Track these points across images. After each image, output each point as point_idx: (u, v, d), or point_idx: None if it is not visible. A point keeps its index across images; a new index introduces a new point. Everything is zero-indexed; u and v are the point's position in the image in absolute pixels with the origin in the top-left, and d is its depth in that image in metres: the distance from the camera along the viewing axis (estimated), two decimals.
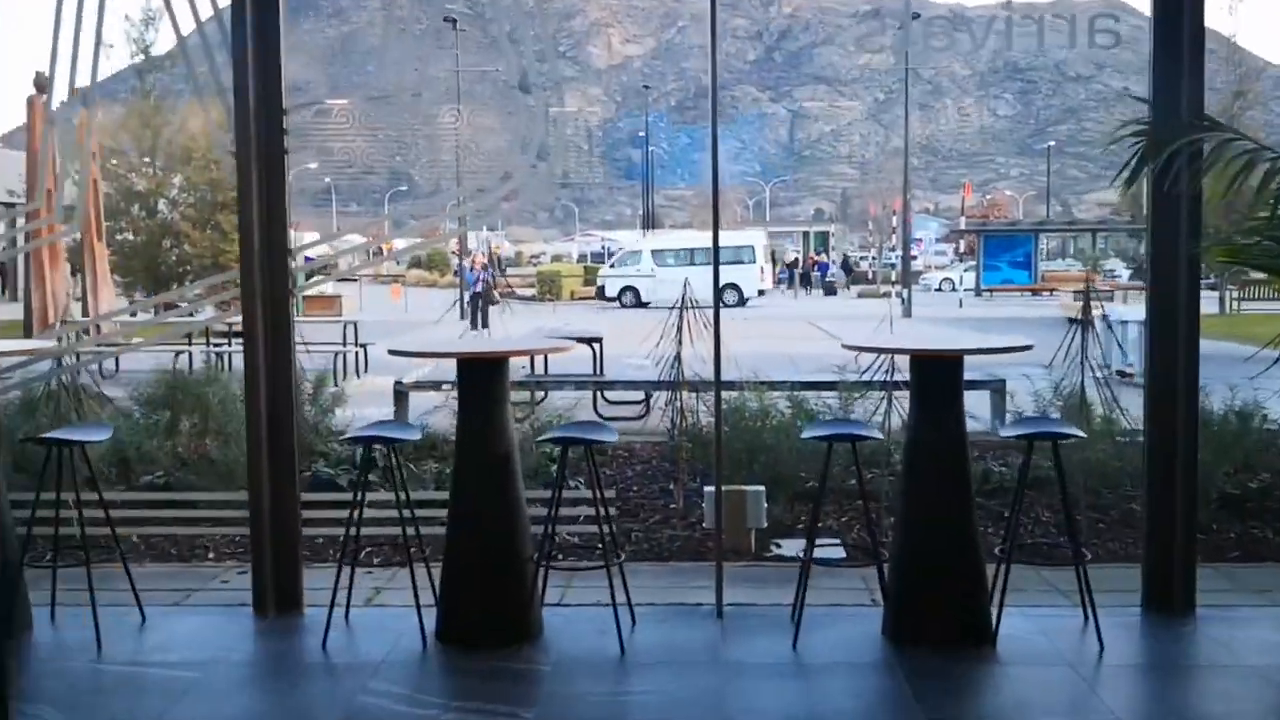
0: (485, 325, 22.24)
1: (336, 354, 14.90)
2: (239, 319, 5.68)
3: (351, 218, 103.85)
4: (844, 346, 6.22)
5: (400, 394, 10.68)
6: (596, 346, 12.96)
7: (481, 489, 5.25)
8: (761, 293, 38.20)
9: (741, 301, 36.20)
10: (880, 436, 6.40)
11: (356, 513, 5.35)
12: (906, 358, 5.72)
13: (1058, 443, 5.20)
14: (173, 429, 8.10)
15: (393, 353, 5.51)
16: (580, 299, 39.74)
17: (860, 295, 45.01)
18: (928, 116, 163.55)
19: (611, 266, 41.38)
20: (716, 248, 6.03)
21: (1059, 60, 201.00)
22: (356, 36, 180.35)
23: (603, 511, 5.36)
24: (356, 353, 16.38)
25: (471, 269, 26.15)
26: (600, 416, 10.36)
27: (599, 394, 11.43)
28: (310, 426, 8.06)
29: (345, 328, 16.74)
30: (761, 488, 6.77)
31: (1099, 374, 14.86)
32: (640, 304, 35.32)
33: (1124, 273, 44.37)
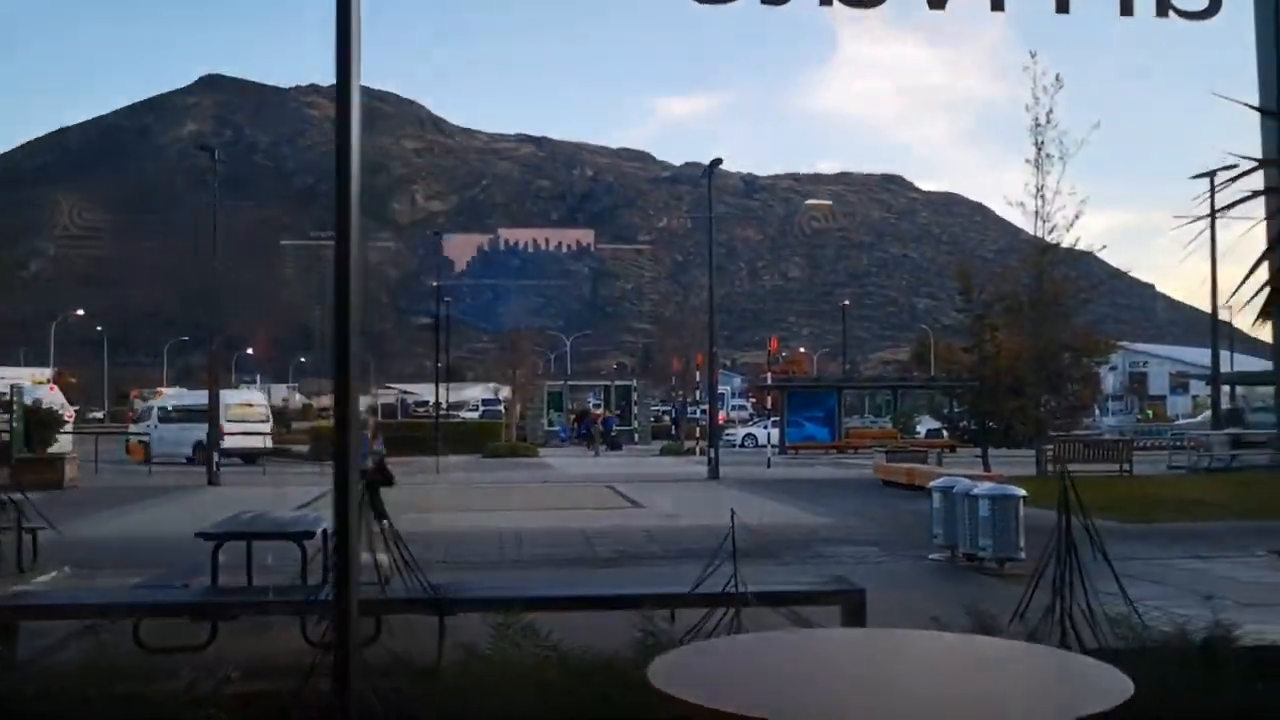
0: None
1: None
2: None
3: (137, 368, 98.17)
4: None
5: None
6: None
7: None
8: (267, 450, 36.20)
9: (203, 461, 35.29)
10: None
11: None
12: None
13: None
14: None
15: None
16: None
17: (663, 451, 44.09)
18: (723, 277, 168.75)
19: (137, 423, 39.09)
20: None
21: (844, 227, 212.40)
22: (150, 182, 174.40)
23: None
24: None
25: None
26: None
27: None
28: None
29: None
30: None
31: (937, 557, 13.71)
32: None
33: (922, 429, 45.08)
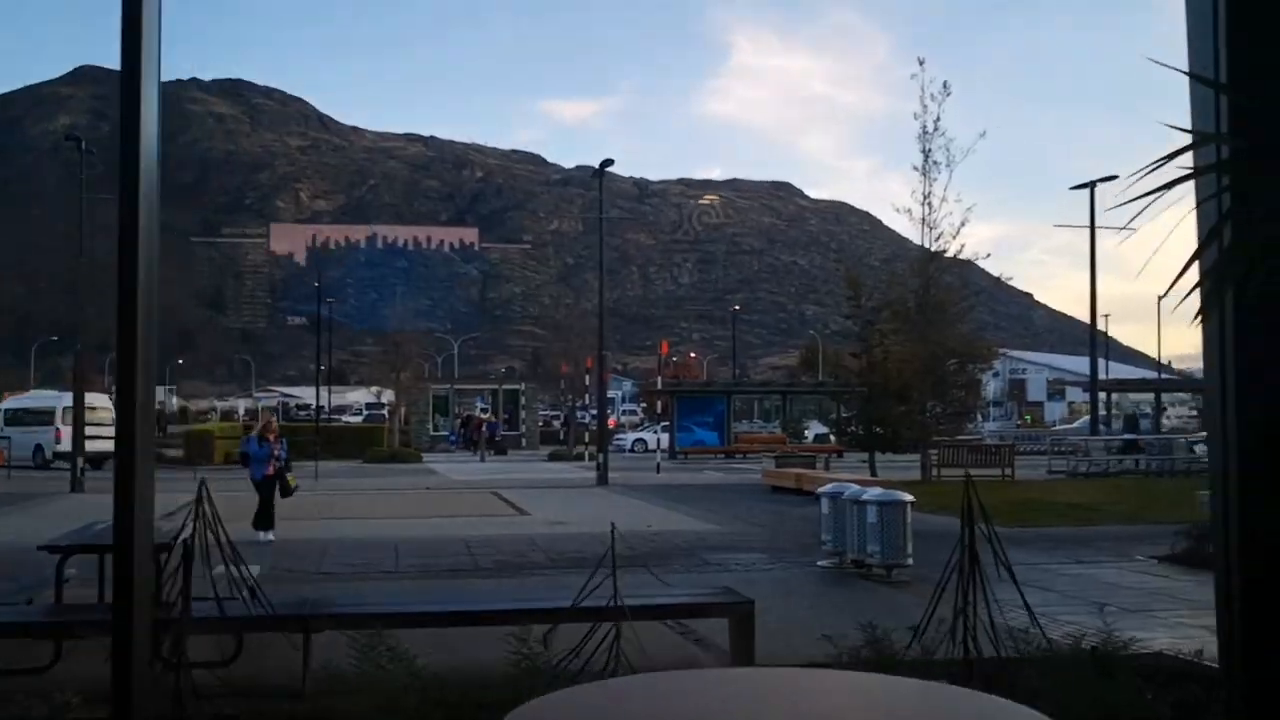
0: None
1: None
2: None
3: (3, 369, 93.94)
4: None
5: None
6: None
7: None
8: (59, 455, 35.34)
9: (44, 464, 34.72)
10: None
11: None
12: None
13: None
14: None
15: None
16: (236, 462, 36.03)
17: (551, 457, 43.59)
18: (615, 281, 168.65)
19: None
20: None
21: (735, 234, 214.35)
22: (20, 175, 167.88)
23: None
24: None
25: None
26: None
27: None
28: None
29: None
30: None
31: (826, 563, 13.52)
32: None
33: (810, 434, 45.41)
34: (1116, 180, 36.20)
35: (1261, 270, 2.21)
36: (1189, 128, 2.94)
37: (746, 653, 7.40)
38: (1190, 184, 2.57)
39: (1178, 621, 9.83)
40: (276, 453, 16.65)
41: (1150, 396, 46.87)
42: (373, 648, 5.29)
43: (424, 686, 5.08)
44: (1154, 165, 2.34)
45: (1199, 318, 2.45)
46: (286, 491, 16.72)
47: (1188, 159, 2.52)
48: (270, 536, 15.85)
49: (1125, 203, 2.46)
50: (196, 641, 7.45)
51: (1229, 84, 2.86)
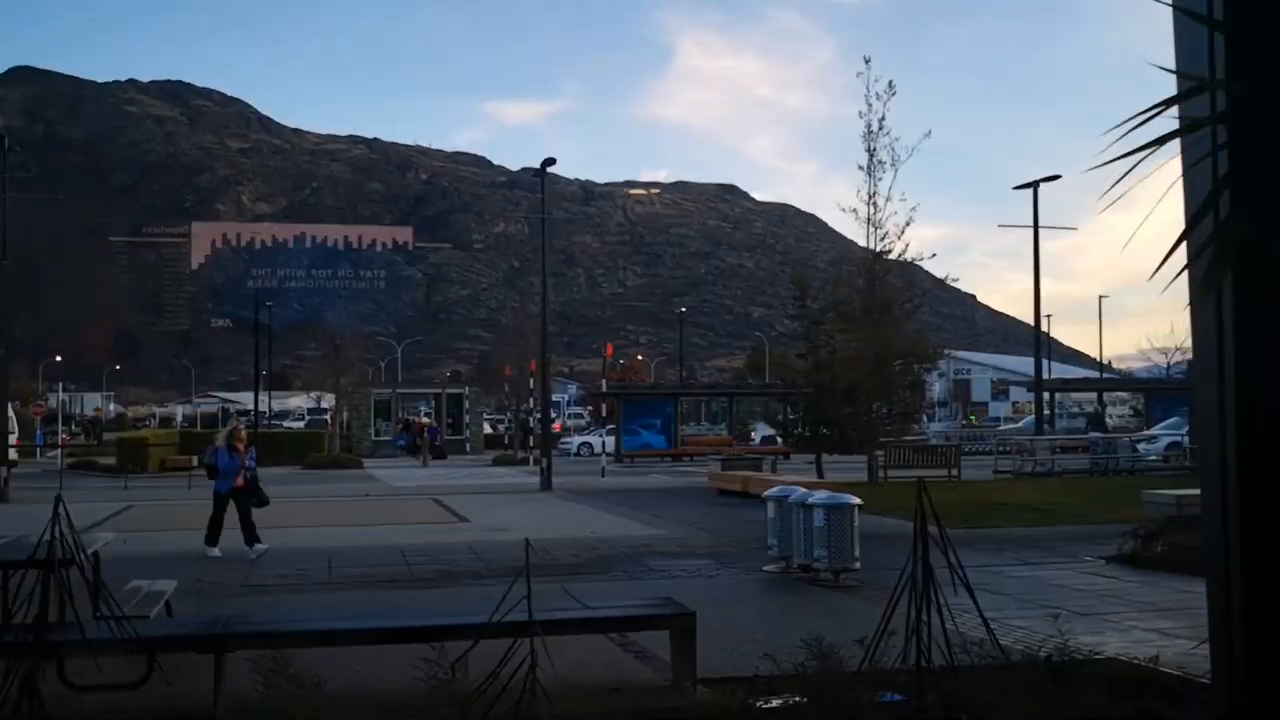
0: None
1: None
2: None
3: None
4: None
5: None
6: None
7: None
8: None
9: None
10: None
11: None
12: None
13: None
14: None
15: None
16: (173, 469, 35.12)
17: (496, 461, 43.01)
18: (561, 284, 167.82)
19: None
20: None
21: (681, 236, 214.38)
22: None
23: None
24: None
25: None
26: None
27: None
28: None
29: None
30: None
31: (772, 569, 13.21)
32: None
33: (757, 436, 45.20)
34: (1059, 179, 36.38)
35: (1275, 245, 1.84)
36: (1175, 69, 2.54)
37: (688, 666, 7.04)
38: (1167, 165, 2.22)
39: (1129, 625, 9.62)
40: (246, 463, 15.53)
41: (1092, 395, 47.31)
42: (277, 672, 4.85)
43: (332, 713, 4.67)
44: (1140, 117, 1.99)
45: (1203, 285, 2.08)
46: (263, 501, 15.65)
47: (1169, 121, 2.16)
48: (263, 547, 14.98)
49: (1103, 162, 2.12)
50: (110, 662, 6.97)
51: (1226, 20, 2.47)
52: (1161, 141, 2.00)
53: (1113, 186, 2.04)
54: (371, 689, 6.14)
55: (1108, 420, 43.56)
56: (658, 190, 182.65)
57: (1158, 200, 2.19)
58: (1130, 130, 2.03)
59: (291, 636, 6.08)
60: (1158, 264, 2.11)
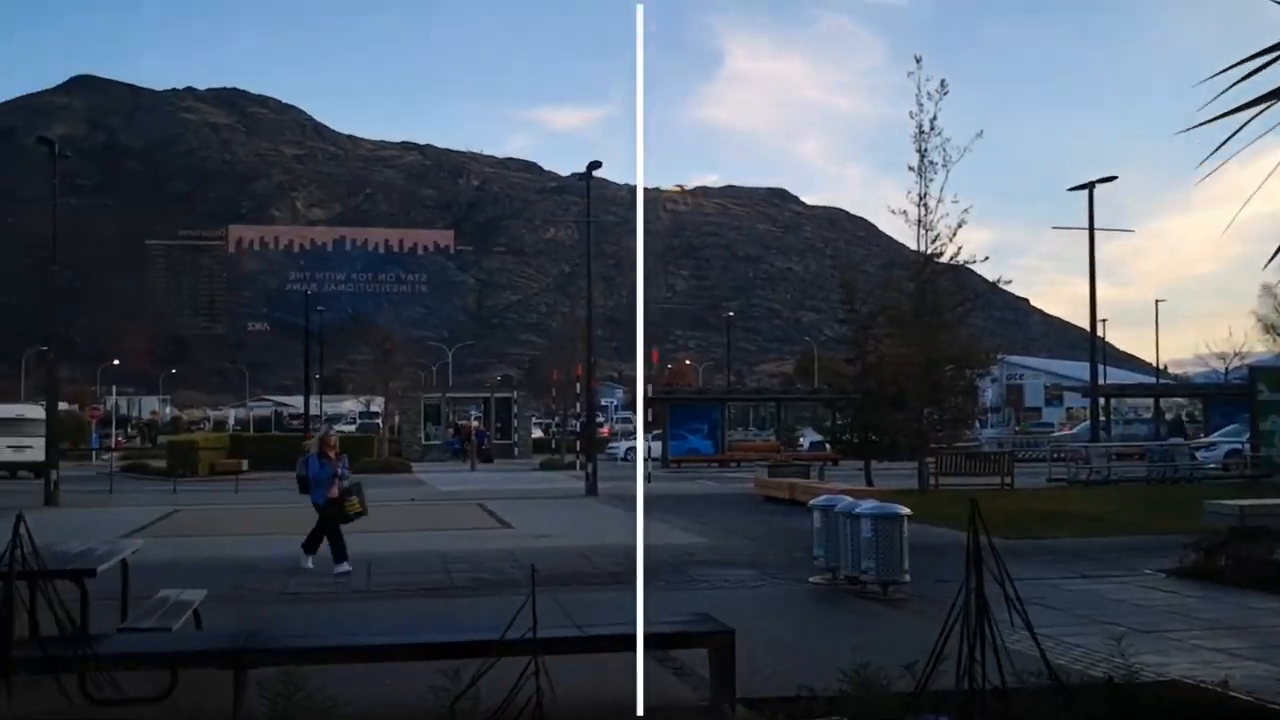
0: None
1: None
2: None
3: None
4: None
5: None
6: None
7: None
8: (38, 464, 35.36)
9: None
10: None
11: None
12: None
13: None
14: None
15: None
16: (223, 473, 35.35)
17: (543, 466, 42.94)
18: (610, 289, 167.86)
19: None
20: None
21: (729, 241, 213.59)
22: (14, 185, 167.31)
23: None
24: None
25: None
26: None
27: None
28: None
29: None
30: None
31: (818, 580, 12.84)
32: None
33: (805, 442, 44.69)
34: (1117, 180, 35.50)
35: None
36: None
37: (727, 686, 6.74)
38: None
39: (1194, 644, 9.17)
40: (339, 471, 14.49)
41: (1149, 401, 46.26)
42: (286, 696, 4.63)
43: None
44: (1257, 60, 1.67)
45: None
46: (347, 518, 14.36)
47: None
48: (346, 568, 13.67)
49: (1203, 121, 1.80)
50: (137, 673, 6.80)
51: None
52: (1263, 102, 1.69)
53: (1233, 135, 1.73)
54: (389, 710, 5.93)
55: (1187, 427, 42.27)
56: (679, 188, 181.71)
57: (1265, 177, 1.87)
58: (1237, 81, 1.72)
59: (312, 653, 5.87)
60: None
